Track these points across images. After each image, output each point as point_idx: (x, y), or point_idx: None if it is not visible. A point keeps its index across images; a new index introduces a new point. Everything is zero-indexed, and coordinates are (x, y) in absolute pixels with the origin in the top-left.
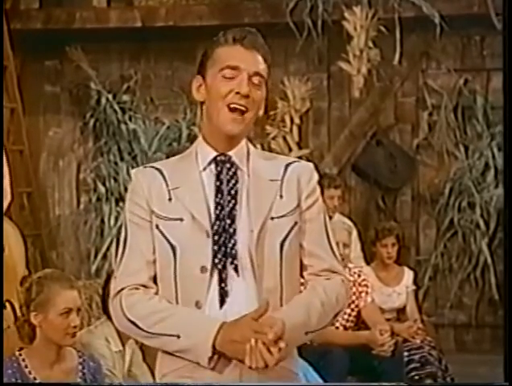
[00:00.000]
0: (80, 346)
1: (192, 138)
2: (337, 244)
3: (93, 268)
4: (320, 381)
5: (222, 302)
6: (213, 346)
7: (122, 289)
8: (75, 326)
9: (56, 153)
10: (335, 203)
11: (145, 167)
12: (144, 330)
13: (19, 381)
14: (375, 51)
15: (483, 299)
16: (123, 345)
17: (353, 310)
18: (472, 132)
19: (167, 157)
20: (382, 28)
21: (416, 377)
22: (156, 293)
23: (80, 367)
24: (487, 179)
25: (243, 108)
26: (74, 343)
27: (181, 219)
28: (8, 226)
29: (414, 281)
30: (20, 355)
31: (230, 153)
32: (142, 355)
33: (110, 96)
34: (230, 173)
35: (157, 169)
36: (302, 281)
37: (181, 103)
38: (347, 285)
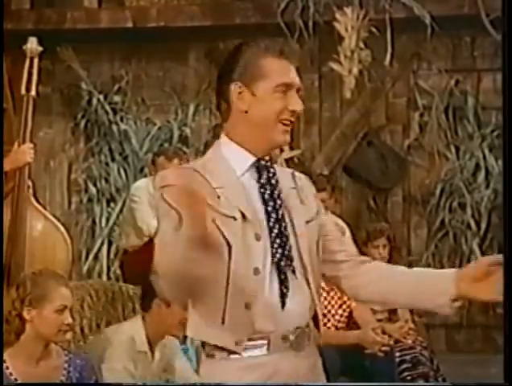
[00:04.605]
0: (102, 338)
1: (183, 139)
2: None
3: (85, 268)
4: None
5: (283, 304)
6: None
7: None
8: (68, 324)
9: (47, 153)
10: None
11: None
12: None
13: None
14: (366, 51)
15: None
16: (151, 347)
17: (344, 310)
18: (463, 132)
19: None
20: (373, 29)
21: (408, 377)
22: None
23: (65, 365)
24: (478, 180)
25: (291, 122)
26: (66, 340)
27: (234, 218)
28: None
29: None
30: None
31: (267, 158)
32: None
33: (101, 97)
34: (271, 176)
35: (194, 170)
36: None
37: (172, 103)
38: None
